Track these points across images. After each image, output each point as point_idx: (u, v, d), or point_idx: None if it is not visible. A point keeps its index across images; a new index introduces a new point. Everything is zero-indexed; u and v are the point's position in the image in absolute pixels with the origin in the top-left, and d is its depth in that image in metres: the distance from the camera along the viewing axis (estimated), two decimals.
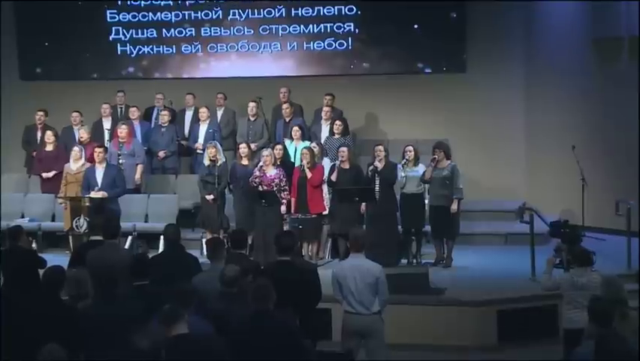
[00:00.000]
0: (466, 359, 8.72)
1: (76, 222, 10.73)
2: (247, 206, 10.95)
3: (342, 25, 14.11)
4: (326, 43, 14.18)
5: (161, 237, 10.31)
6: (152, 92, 13.66)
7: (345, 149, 11.03)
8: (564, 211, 11.96)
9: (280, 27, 14.25)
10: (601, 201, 12.00)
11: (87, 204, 10.77)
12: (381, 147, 10.87)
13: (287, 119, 12.82)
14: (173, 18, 14.47)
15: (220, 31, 14.41)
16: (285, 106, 12.92)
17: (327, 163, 11.29)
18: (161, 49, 14.57)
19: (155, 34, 14.54)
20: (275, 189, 10.76)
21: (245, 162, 11.29)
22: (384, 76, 14.02)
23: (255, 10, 14.27)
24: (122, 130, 12.12)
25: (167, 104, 13.47)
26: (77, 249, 8.61)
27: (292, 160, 11.62)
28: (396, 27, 13.91)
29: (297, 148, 11.74)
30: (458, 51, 13.85)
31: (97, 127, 12.98)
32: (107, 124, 13.02)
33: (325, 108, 12.71)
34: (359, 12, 14.04)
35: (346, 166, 10.95)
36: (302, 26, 14.20)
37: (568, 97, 13.06)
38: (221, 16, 14.38)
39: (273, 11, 14.23)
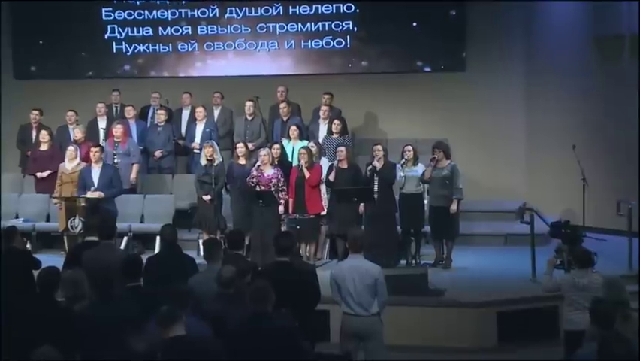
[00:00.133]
0: (466, 360, 8.70)
1: (71, 222, 10.70)
2: (244, 206, 10.94)
3: (340, 23, 14.11)
4: (324, 41, 14.18)
5: (157, 237, 10.36)
6: (148, 90, 13.65)
7: (343, 148, 11.02)
8: (565, 211, 11.95)
9: (278, 25, 14.24)
10: (602, 201, 12.01)
11: (82, 204, 10.74)
12: (379, 147, 10.86)
13: (284, 119, 12.80)
14: (170, 16, 14.47)
15: (217, 29, 14.40)
16: (282, 105, 12.91)
17: (325, 163, 11.28)
18: (157, 47, 14.57)
19: (151, 33, 14.53)
20: (272, 189, 10.75)
21: (242, 161, 11.28)
22: (383, 75, 14.03)
23: (253, 8, 14.27)
24: (118, 129, 12.10)
25: (164, 103, 13.46)
26: (72, 250, 8.61)
27: (290, 160, 11.60)
28: (395, 25, 13.91)
29: (294, 148, 11.71)
30: (458, 49, 13.85)
31: (92, 126, 12.96)
32: (102, 123, 13.01)
33: (323, 107, 12.70)
34: (357, 10, 14.04)
35: (344, 166, 10.94)
36: (300, 24, 14.20)
37: (568, 96, 13.06)
38: (217, 14, 14.38)
39: (270, 9, 14.23)
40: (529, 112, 13.69)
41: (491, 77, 13.69)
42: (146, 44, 14.58)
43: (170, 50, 14.52)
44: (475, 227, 12.13)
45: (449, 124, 13.59)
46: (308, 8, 14.15)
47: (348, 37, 14.12)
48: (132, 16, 14.54)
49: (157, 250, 10.64)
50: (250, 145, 12.05)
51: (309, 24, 14.17)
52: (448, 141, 11.74)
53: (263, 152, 10.98)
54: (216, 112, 13.31)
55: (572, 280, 7.20)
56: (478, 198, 12.41)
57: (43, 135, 12.31)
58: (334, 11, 14.10)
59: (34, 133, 12.80)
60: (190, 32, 14.44)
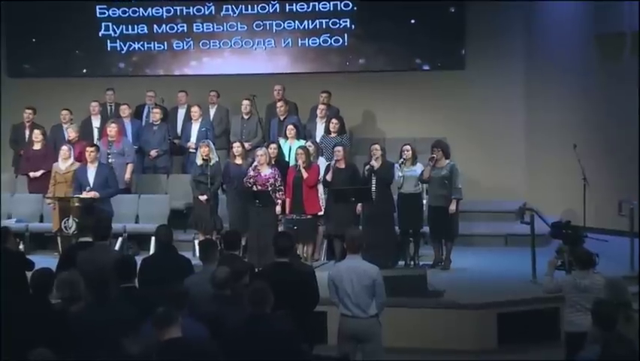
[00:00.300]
0: None
1: (64, 223, 10.68)
2: (241, 206, 10.92)
3: (337, 21, 14.10)
4: (321, 39, 14.17)
5: (153, 238, 10.33)
6: (143, 89, 13.64)
7: (340, 148, 11.01)
8: (565, 212, 11.96)
9: (274, 23, 14.23)
10: (603, 201, 12.02)
11: (76, 204, 10.72)
12: (377, 146, 10.85)
13: (281, 118, 12.78)
14: (165, 14, 14.46)
15: (213, 27, 14.39)
16: (279, 104, 12.89)
17: (322, 162, 11.27)
18: (152, 45, 14.56)
19: (145, 30, 14.53)
20: (269, 189, 10.74)
21: (238, 161, 11.27)
22: (381, 73, 14.02)
23: (249, 6, 14.27)
24: (112, 129, 12.08)
25: (159, 102, 13.44)
26: (66, 251, 8.58)
27: (287, 159, 11.59)
28: (393, 23, 13.91)
29: (291, 147, 11.71)
30: (457, 47, 13.86)
31: (86, 125, 12.94)
32: (96, 122, 13.00)
33: (321, 106, 12.69)
34: (355, 8, 14.03)
35: (342, 166, 10.93)
36: (297, 22, 14.19)
37: (569, 94, 13.06)
38: (213, 12, 14.37)
39: (267, 7, 14.22)
40: (529, 111, 13.69)
41: (491, 75, 13.69)
42: (141, 42, 14.57)
43: (166, 48, 14.52)
44: (474, 227, 12.13)
45: (448, 123, 13.59)
46: (305, 6, 14.14)
47: (345, 35, 14.12)
48: (127, 14, 14.53)
49: (152, 250, 10.62)
50: (247, 144, 12.03)
51: (306, 22, 14.16)
52: (447, 140, 11.72)
53: (260, 151, 10.97)
54: (212, 111, 13.30)
55: (573, 281, 7.19)
56: (477, 198, 12.41)
57: (37, 135, 12.29)
58: (331, 9, 14.10)
59: (27, 132, 12.78)
60: (185, 30, 14.43)
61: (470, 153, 13.13)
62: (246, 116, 12.85)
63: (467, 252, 11.30)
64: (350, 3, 14.03)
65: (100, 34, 14.60)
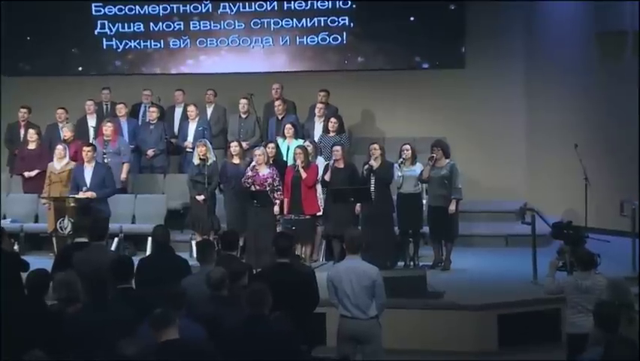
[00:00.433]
0: None
1: (60, 223, 10.67)
2: (238, 206, 10.92)
3: (336, 19, 14.10)
4: (320, 37, 14.17)
5: (149, 239, 10.32)
6: (139, 88, 13.63)
7: (339, 148, 11.00)
8: (566, 212, 11.97)
9: (272, 21, 14.23)
10: (605, 201, 12.02)
11: (72, 204, 10.71)
12: (376, 146, 10.84)
13: (279, 117, 12.78)
14: (161, 11, 14.45)
15: (210, 25, 14.38)
16: (277, 103, 12.88)
17: (321, 162, 11.26)
18: (148, 43, 14.55)
19: (142, 28, 14.51)
20: (268, 189, 10.73)
21: (236, 160, 11.26)
22: (381, 72, 14.03)
23: (246, 4, 14.25)
24: (108, 128, 12.07)
25: (155, 101, 13.43)
26: (62, 251, 8.57)
27: (285, 159, 11.59)
28: (392, 21, 13.90)
29: (289, 147, 11.71)
30: (457, 45, 13.85)
31: (81, 124, 12.93)
32: (91, 121, 12.98)
33: (319, 105, 12.69)
34: (354, 6, 14.03)
35: (341, 165, 10.93)
36: (295, 20, 14.18)
37: (570, 94, 13.06)
38: (210, 10, 14.36)
39: (264, 4, 14.21)
40: (530, 110, 13.69)
41: (491, 74, 13.68)
42: (137, 40, 14.56)
43: (162, 46, 14.50)
44: (474, 228, 12.13)
45: (448, 122, 13.59)
46: (303, 4, 14.14)
47: (344, 33, 14.11)
48: (123, 12, 14.51)
49: (149, 251, 10.61)
50: (244, 144, 12.03)
51: (304, 20, 14.16)
52: (447, 140, 11.72)
53: (258, 151, 10.96)
54: (209, 110, 13.29)
55: (574, 282, 7.19)
56: (477, 198, 12.41)
57: (31, 134, 12.28)
58: (330, 7, 14.10)
59: (22, 131, 12.76)
60: (182, 28, 14.42)
61: (470, 153, 13.13)
62: (243, 115, 12.85)
63: (467, 252, 11.30)
64: (349, 1, 14.03)
65: (96, 33, 14.59)
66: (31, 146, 12.25)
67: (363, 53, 14.18)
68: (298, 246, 10.89)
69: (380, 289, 7.00)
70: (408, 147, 10.84)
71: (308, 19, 14.15)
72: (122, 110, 13.01)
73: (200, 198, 11.14)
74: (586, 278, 7.12)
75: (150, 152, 12.74)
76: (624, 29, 12.37)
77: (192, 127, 12.80)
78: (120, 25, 14.53)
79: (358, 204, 10.63)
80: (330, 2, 14.07)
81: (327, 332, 8.33)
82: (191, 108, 12.86)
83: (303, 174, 10.89)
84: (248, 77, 13.91)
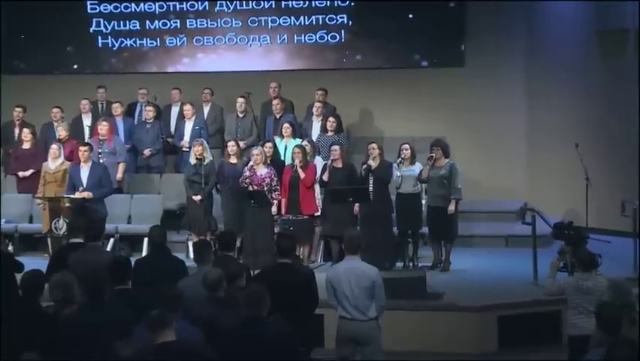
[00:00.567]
0: None
1: (55, 223, 10.65)
2: (236, 207, 10.91)
3: (334, 17, 14.10)
4: (318, 35, 14.17)
5: (145, 239, 10.32)
6: (135, 87, 13.62)
7: (337, 147, 10.99)
8: (567, 212, 11.97)
9: (270, 19, 14.22)
10: (606, 201, 12.02)
11: (67, 204, 10.69)
12: (374, 145, 10.84)
13: (277, 116, 12.77)
14: (157, 9, 14.43)
15: (206, 23, 14.37)
16: (275, 102, 12.88)
17: (319, 162, 11.26)
18: (144, 42, 14.54)
19: (138, 27, 14.50)
20: (265, 189, 10.73)
21: (233, 160, 11.26)
22: (379, 70, 14.02)
23: (244, 2, 14.25)
24: (103, 127, 12.06)
25: (152, 100, 13.42)
26: (57, 252, 8.57)
27: (282, 159, 11.58)
28: (391, 18, 13.89)
29: (287, 146, 11.71)
30: (456, 43, 13.85)
31: (76, 123, 12.92)
32: (86, 120, 12.97)
33: (317, 104, 12.68)
34: (352, 3, 14.02)
35: (339, 165, 10.92)
36: (292, 18, 14.18)
37: (571, 92, 13.07)
38: (207, 8, 14.35)
39: (262, 2, 14.21)
40: (530, 109, 13.70)
41: (491, 72, 13.69)
42: (133, 39, 14.55)
43: (158, 44, 14.49)
44: (474, 228, 12.14)
45: (448, 121, 13.59)
46: (301, 2, 14.15)
47: (342, 31, 14.11)
48: (118, 10, 14.50)
49: (145, 252, 10.61)
50: (241, 143, 12.03)
51: (302, 17, 14.15)
52: (446, 139, 11.71)
53: (255, 151, 10.96)
54: (206, 109, 13.28)
55: (575, 283, 7.19)
56: (477, 199, 12.42)
57: (26, 134, 12.28)
58: (328, 4, 14.10)
59: (16, 131, 12.76)
60: (179, 26, 14.41)
61: (470, 152, 13.13)
62: (240, 115, 12.84)
63: (467, 253, 11.31)
64: None
65: (91, 30, 14.57)
66: (26, 145, 12.24)
67: (361, 51, 14.17)
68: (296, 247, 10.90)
69: (380, 290, 6.99)
70: (407, 146, 10.83)
71: (306, 17, 14.15)
72: (117, 109, 13.00)
73: (197, 198, 11.13)
74: (587, 279, 7.12)
75: (147, 151, 12.73)
76: (625, 27, 12.38)
77: (189, 126, 12.79)
78: (116, 23, 14.52)
79: (357, 205, 10.63)
80: (328, 0, 14.06)
81: (325, 333, 8.33)
82: (187, 107, 12.86)
83: (302, 174, 10.88)
84: (245, 75, 13.91)
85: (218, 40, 14.38)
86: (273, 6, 14.19)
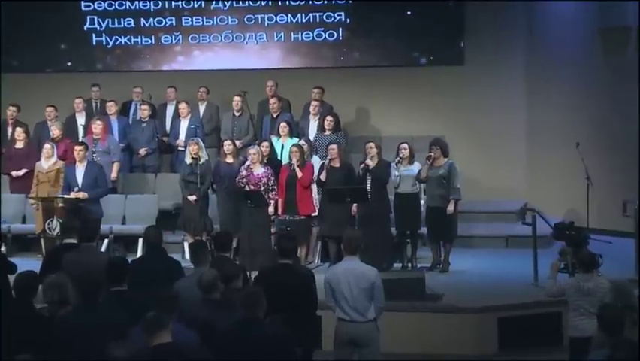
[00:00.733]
0: None
1: (48, 224, 10.64)
2: (232, 207, 10.91)
3: (331, 14, 14.10)
4: (315, 33, 14.17)
5: (140, 240, 10.31)
6: (130, 85, 13.60)
7: (334, 146, 10.99)
8: (568, 212, 11.98)
9: (266, 16, 14.22)
10: (607, 201, 12.03)
11: (60, 204, 10.68)
12: (372, 144, 10.84)
13: (274, 115, 12.77)
14: (152, 7, 14.43)
15: (202, 20, 14.37)
16: (272, 100, 12.87)
17: (316, 161, 11.26)
18: (139, 39, 14.53)
19: (132, 24, 14.49)
20: (262, 188, 10.73)
21: (229, 159, 11.26)
22: (377, 68, 14.02)
23: None
24: (97, 126, 12.05)
25: (146, 99, 13.41)
26: (50, 253, 8.56)
27: (279, 158, 11.58)
28: (389, 16, 13.89)
29: (284, 145, 11.71)
30: (455, 41, 13.85)
31: (70, 123, 12.90)
32: (80, 119, 12.96)
33: (314, 103, 12.68)
34: (350, 1, 14.03)
35: (336, 165, 10.91)
36: (289, 15, 14.17)
37: (571, 91, 13.08)
38: (203, 5, 14.35)
39: (258, 0, 14.18)
40: (531, 108, 13.71)
41: (491, 70, 13.70)
42: (128, 36, 14.54)
43: (153, 42, 14.48)
44: (474, 228, 12.15)
45: (447, 120, 13.60)
46: None
47: (340, 28, 14.11)
48: (113, 7, 14.49)
49: (139, 253, 10.60)
50: (238, 143, 12.02)
51: (299, 15, 14.15)
52: (445, 138, 11.70)
53: (252, 150, 10.96)
54: (202, 108, 13.28)
55: (576, 284, 7.19)
56: (477, 199, 12.43)
57: (19, 133, 12.26)
58: (325, 2, 14.09)
59: (9, 130, 12.74)
60: (174, 24, 14.40)
61: (469, 152, 13.13)
62: (237, 113, 12.84)
63: (466, 254, 11.32)
64: None
65: (85, 28, 14.55)
66: (19, 145, 12.23)
67: (359, 49, 14.18)
68: None
69: (379, 292, 6.98)
70: (405, 145, 10.83)
71: (303, 15, 14.14)
72: (112, 107, 12.98)
73: (192, 198, 11.13)
74: (588, 280, 7.12)
75: (142, 151, 12.73)
76: (628, 24, 12.38)
77: (184, 125, 12.78)
78: (110, 20, 14.50)
79: (354, 205, 10.62)
80: None
81: (323, 335, 8.32)
82: (182, 105, 12.85)
83: (299, 174, 10.88)
84: (241, 74, 13.90)
85: (214, 38, 14.37)
86: (270, 3, 14.19)
